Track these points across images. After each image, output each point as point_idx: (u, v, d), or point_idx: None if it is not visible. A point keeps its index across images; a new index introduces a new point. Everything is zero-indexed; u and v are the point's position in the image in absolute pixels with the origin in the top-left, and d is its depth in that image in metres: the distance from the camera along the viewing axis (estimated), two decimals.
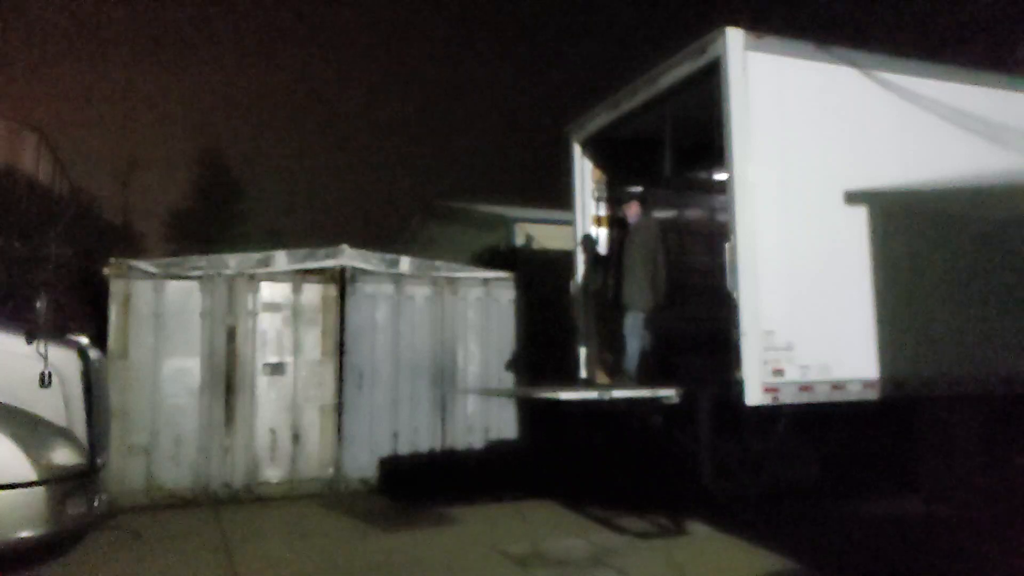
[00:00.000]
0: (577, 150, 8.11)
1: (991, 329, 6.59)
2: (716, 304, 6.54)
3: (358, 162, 55.99)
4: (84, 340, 5.65)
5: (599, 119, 7.70)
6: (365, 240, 9.42)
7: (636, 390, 6.44)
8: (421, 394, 8.62)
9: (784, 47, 6.17)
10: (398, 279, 8.66)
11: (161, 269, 7.83)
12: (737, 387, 5.72)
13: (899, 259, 6.31)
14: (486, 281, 9.05)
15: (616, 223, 7.20)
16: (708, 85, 6.08)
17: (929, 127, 6.57)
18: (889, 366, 6.12)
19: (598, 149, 8.09)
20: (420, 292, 8.74)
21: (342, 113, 59.98)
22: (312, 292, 8.33)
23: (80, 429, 5.05)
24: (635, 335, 6.76)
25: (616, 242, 7.05)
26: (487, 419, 8.84)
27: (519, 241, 14.02)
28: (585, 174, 8.11)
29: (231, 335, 7.95)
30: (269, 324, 8.13)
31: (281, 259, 8.27)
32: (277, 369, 8.11)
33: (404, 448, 8.47)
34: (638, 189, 7.79)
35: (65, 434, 4.89)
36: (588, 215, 7.98)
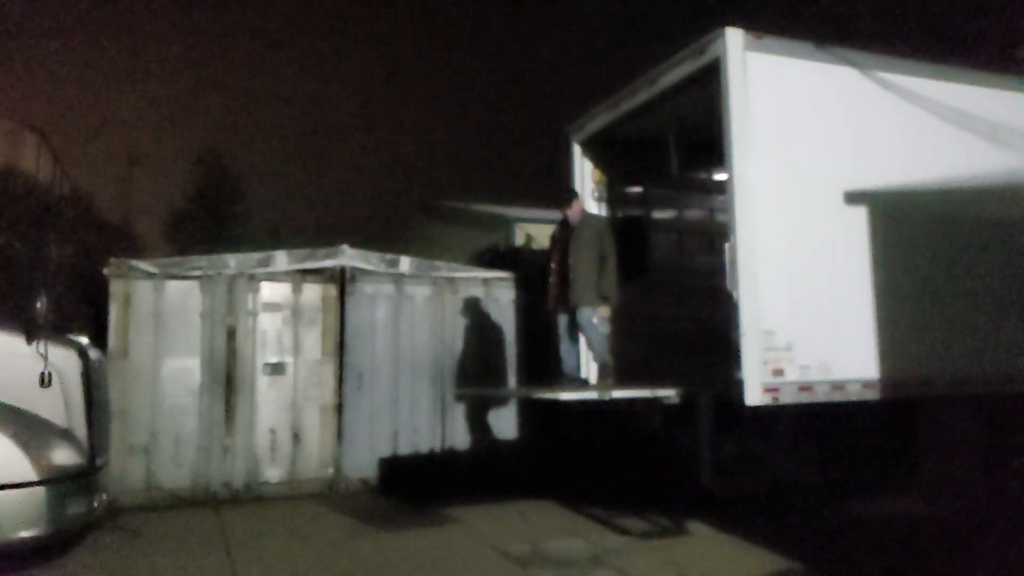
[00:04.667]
0: (577, 150, 8.11)
1: (991, 329, 6.59)
2: (716, 304, 6.55)
3: (358, 162, 55.99)
4: (84, 340, 5.65)
5: (599, 119, 7.70)
6: (365, 240, 9.42)
7: (636, 390, 6.44)
8: (421, 394, 8.62)
9: (784, 47, 6.17)
10: (398, 279, 8.67)
11: (161, 269, 7.84)
12: (737, 387, 5.72)
13: (899, 259, 6.31)
14: (486, 281, 9.05)
15: (561, 224, 7.11)
16: (708, 85, 6.08)
17: (929, 127, 6.57)
18: (889, 366, 6.12)
19: (598, 149, 8.09)
20: (420, 292, 8.75)
21: (342, 113, 60.00)
22: (312, 292, 8.33)
23: (80, 429, 5.06)
24: (592, 329, 6.73)
25: (561, 243, 6.96)
26: (487, 419, 8.83)
27: (519, 241, 14.04)
28: (585, 174, 8.11)
29: (231, 335, 7.95)
30: (269, 324, 8.13)
31: (281, 259, 8.27)
32: (277, 369, 8.11)
33: (404, 448, 8.47)
34: (574, 189, 7.66)
35: (65, 434, 4.90)
36: None
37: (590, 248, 6.69)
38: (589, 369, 7.60)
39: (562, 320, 6.93)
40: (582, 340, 6.94)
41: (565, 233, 6.95)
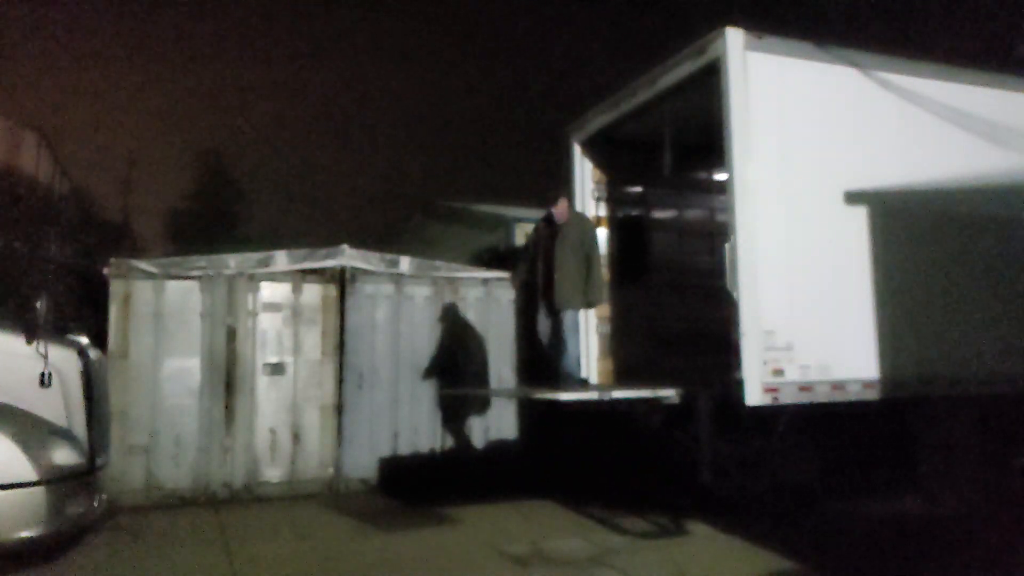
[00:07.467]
0: (577, 150, 8.11)
1: (991, 329, 6.60)
2: (716, 304, 6.55)
3: (358, 162, 56.00)
4: (84, 340, 5.65)
5: (599, 119, 7.71)
6: (365, 240, 9.42)
7: (636, 390, 6.44)
8: (421, 394, 8.61)
9: (784, 47, 6.18)
10: (398, 279, 8.66)
11: (161, 269, 7.82)
12: (737, 387, 5.73)
13: (899, 259, 6.31)
14: (486, 281, 9.04)
15: (545, 221, 7.08)
16: (708, 85, 6.09)
17: (929, 127, 6.58)
18: (889, 366, 6.13)
19: (598, 149, 8.10)
20: (420, 292, 8.74)
21: (342, 113, 60.01)
22: (312, 292, 8.32)
23: (80, 429, 5.06)
24: (574, 334, 6.71)
25: (546, 241, 6.93)
26: (487, 419, 8.84)
27: (519, 241, 14.01)
28: (585, 174, 8.11)
29: (231, 335, 7.94)
30: (269, 324, 8.12)
31: (281, 259, 8.26)
32: (277, 369, 8.11)
33: (404, 448, 8.47)
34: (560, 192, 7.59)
35: (65, 434, 4.90)
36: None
37: (576, 250, 6.64)
38: (588, 368, 7.61)
39: (549, 321, 6.90)
40: (580, 338, 6.92)
41: (551, 232, 6.91)
